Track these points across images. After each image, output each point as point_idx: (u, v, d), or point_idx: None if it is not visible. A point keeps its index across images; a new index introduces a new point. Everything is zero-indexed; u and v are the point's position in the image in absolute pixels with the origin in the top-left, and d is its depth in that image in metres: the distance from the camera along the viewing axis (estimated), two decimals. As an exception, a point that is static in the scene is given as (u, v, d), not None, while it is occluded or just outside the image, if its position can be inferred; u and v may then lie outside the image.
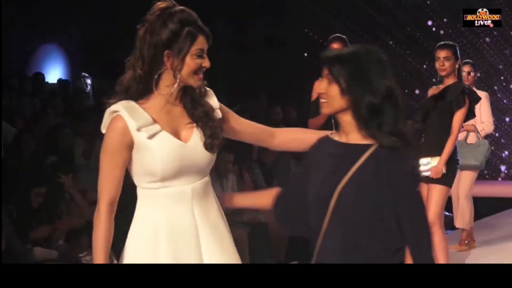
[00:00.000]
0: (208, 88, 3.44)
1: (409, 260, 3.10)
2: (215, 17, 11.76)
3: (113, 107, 3.31)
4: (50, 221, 7.16)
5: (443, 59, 6.99)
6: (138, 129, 3.27)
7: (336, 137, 3.21)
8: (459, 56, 7.09)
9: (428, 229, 3.14)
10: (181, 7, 3.33)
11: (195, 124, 3.37)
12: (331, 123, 7.09)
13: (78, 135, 9.09)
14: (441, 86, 7.06)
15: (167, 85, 3.33)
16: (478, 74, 9.64)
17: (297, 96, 13.51)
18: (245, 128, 3.57)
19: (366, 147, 3.11)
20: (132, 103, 3.31)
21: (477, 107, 7.17)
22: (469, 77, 8.55)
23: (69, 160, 8.55)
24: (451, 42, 7.30)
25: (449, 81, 7.02)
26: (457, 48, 7.14)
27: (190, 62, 3.30)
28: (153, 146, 3.28)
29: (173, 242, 3.33)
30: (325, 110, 3.18)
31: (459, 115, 6.91)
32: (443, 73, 7.02)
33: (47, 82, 13.00)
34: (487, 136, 8.87)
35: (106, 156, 3.31)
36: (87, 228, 7.15)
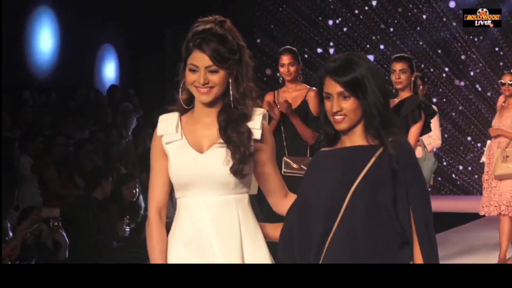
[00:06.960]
0: (260, 109, 3.42)
1: (416, 251, 3.24)
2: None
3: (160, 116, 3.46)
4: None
5: (399, 72, 6.86)
6: (161, 135, 3.41)
7: (336, 146, 3.32)
8: (414, 69, 6.97)
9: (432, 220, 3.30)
10: (221, 22, 3.33)
11: (219, 139, 3.36)
12: (280, 128, 7.13)
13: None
14: (396, 100, 6.90)
15: (192, 97, 3.40)
16: (427, 87, 9.57)
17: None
18: (266, 176, 3.46)
19: (375, 147, 3.24)
20: (173, 113, 3.43)
21: None
22: (418, 90, 8.42)
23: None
24: (406, 55, 7.19)
25: (405, 94, 6.88)
26: (413, 60, 7.01)
27: (186, 75, 3.36)
28: (170, 152, 3.40)
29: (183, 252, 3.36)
30: (344, 125, 3.26)
31: (414, 130, 6.76)
32: (398, 86, 6.88)
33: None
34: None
35: (151, 163, 3.46)
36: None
